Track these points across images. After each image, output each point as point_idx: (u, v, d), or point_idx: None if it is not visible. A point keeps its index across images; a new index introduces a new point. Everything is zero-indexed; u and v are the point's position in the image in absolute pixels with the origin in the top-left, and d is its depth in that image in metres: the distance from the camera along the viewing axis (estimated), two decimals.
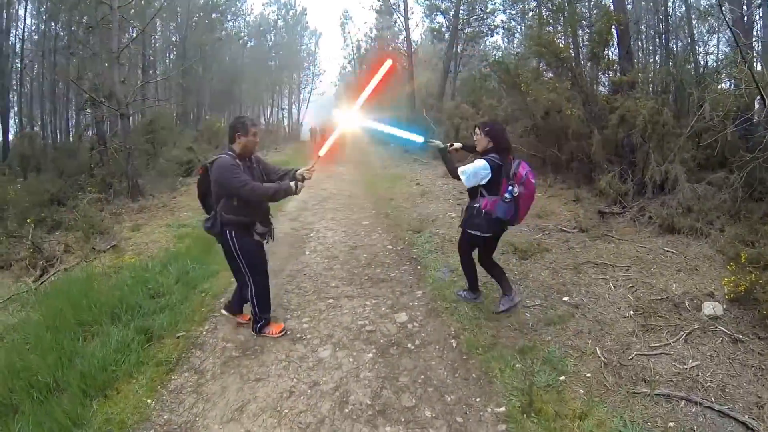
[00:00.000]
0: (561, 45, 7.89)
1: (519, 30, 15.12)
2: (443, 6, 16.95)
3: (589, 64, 8.40)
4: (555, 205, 6.78)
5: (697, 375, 2.82)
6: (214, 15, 22.65)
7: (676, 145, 5.60)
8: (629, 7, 8.73)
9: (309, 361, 3.16)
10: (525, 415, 2.53)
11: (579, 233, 5.47)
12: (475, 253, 3.81)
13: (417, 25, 26.22)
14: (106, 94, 10.25)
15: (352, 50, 30.71)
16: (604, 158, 6.77)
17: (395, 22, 21.61)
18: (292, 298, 4.21)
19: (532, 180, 3.43)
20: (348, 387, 2.86)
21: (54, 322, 3.52)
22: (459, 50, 17.19)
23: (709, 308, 3.46)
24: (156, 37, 18.89)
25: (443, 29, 17.40)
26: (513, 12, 15.07)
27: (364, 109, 3.45)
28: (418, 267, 4.92)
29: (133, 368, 3.05)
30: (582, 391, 2.75)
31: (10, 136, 13.32)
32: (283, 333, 3.50)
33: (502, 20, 15.93)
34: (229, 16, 25.31)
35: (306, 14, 35.37)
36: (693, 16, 8.54)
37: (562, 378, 2.88)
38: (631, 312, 3.61)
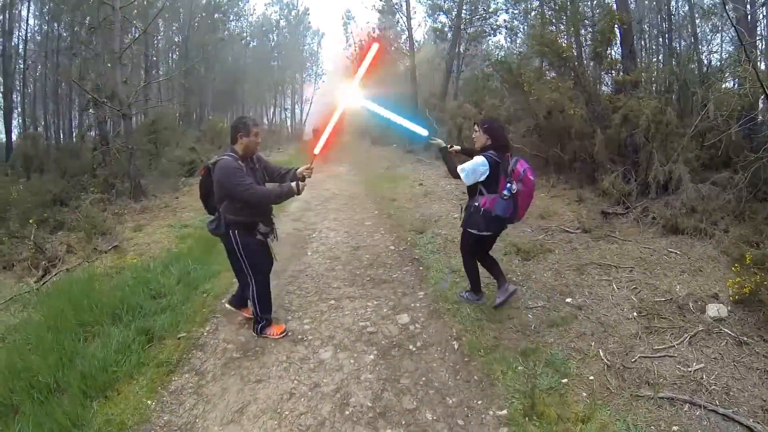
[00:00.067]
0: (564, 44, 7.86)
1: (521, 29, 15.11)
2: (446, 5, 16.93)
3: (591, 63, 8.35)
4: (558, 205, 6.75)
5: (702, 378, 2.79)
6: (216, 15, 22.67)
7: (679, 145, 5.56)
8: (632, 6, 8.71)
9: (310, 363, 3.15)
10: (527, 418, 2.51)
11: (582, 234, 5.44)
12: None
13: (419, 25, 26.16)
14: (108, 95, 10.25)
15: (355, 50, 30.71)
16: (607, 158, 6.73)
17: (398, 21, 21.55)
18: (293, 299, 4.20)
19: (531, 177, 3.45)
20: (349, 389, 2.85)
21: (55, 323, 3.52)
22: (461, 50, 17.16)
23: (714, 310, 3.43)
24: (158, 37, 18.90)
25: (446, 29, 17.37)
26: (515, 11, 15.04)
27: (362, 92, 3.43)
28: (421, 268, 4.90)
29: (134, 369, 3.05)
30: (585, 394, 2.73)
31: (14, 137, 13.36)
32: (284, 334, 3.49)
33: (504, 20, 15.90)
34: (231, 17, 25.31)
35: (308, 14, 35.31)
36: (696, 15, 8.51)
37: (565, 380, 2.85)
38: (635, 314, 3.58)
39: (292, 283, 4.58)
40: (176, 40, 21.32)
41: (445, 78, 17.41)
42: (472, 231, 3.56)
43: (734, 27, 5.10)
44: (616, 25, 7.17)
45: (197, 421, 2.60)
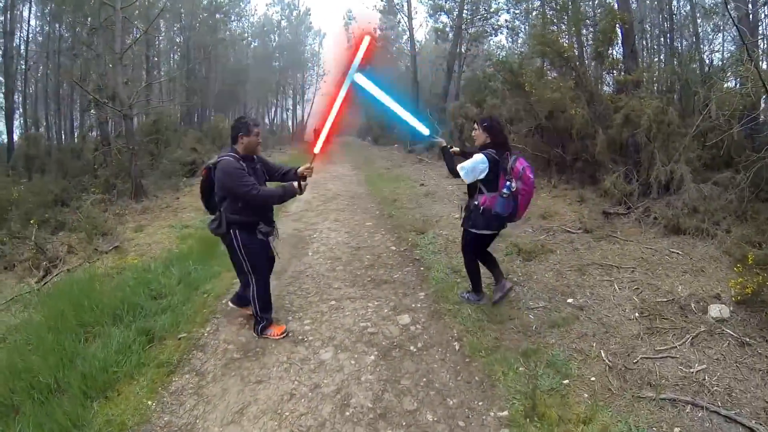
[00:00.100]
0: (565, 44, 7.85)
1: (523, 29, 15.14)
2: (447, 6, 16.95)
3: (593, 63, 8.35)
4: (559, 205, 6.74)
5: (704, 379, 2.77)
6: (217, 16, 22.71)
7: (681, 145, 5.54)
8: (634, 5, 8.69)
9: (310, 364, 3.14)
10: (528, 420, 2.49)
11: (583, 234, 5.42)
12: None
13: (421, 25, 26.33)
14: (109, 95, 10.28)
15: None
16: (609, 158, 6.71)
17: (399, 22, 21.61)
18: (294, 299, 4.20)
19: (530, 175, 3.47)
20: (349, 390, 2.84)
21: (56, 323, 3.52)
22: (463, 50, 17.18)
23: (716, 310, 3.41)
24: (160, 38, 18.93)
25: (447, 29, 17.41)
26: (517, 11, 15.06)
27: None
28: (422, 268, 4.89)
29: (134, 370, 3.04)
30: (586, 395, 2.72)
31: (15, 137, 13.38)
32: (284, 335, 3.48)
33: (506, 20, 15.95)
34: (233, 17, 25.36)
35: (310, 14, 35.41)
36: (698, 15, 8.50)
37: (566, 382, 2.84)
38: (637, 314, 3.56)
39: (292, 283, 4.57)
40: (177, 40, 21.37)
41: (446, 78, 17.42)
42: (473, 230, 3.57)
43: (736, 26, 5.09)
44: (617, 25, 7.16)
45: (197, 421, 2.59)
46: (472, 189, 3.57)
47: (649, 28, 9.97)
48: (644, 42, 9.88)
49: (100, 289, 4.21)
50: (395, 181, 10.97)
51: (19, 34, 13.78)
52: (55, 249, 6.10)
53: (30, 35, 14.35)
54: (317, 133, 3.33)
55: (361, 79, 3.37)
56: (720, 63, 7.40)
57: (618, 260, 4.57)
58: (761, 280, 3.41)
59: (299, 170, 3.33)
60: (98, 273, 4.88)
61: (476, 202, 3.50)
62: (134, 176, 9.30)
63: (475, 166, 3.40)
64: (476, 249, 3.77)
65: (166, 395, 2.83)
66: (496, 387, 2.83)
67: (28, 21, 14.21)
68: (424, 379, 2.94)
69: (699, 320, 3.37)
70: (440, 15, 17.49)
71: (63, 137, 15.28)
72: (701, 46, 8.53)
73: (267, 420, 2.58)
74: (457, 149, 3.91)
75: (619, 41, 7.54)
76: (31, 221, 6.67)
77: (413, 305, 4.01)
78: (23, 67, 14.05)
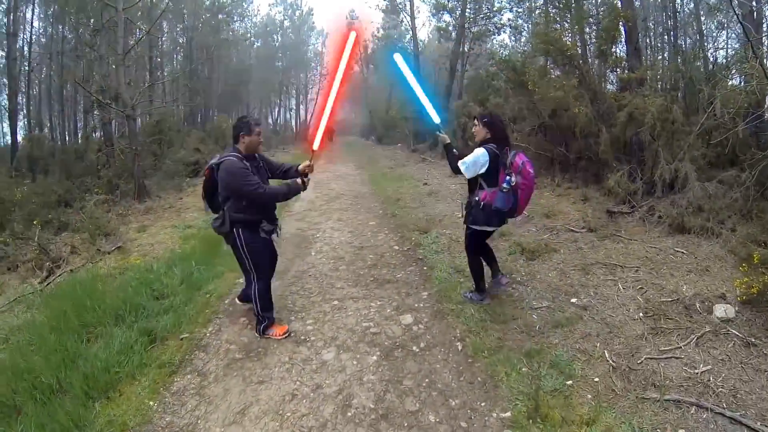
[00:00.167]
0: (568, 42, 7.81)
1: (526, 28, 15.07)
2: (450, 5, 16.91)
3: (596, 61, 8.31)
4: (563, 204, 6.71)
5: (709, 380, 2.74)
6: (220, 16, 22.78)
7: (685, 143, 5.49)
8: (637, 3, 8.62)
9: (312, 364, 3.13)
10: (531, 421, 2.47)
11: (587, 233, 5.39)
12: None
13: (423, 24, 26.25)
14: (113, 96, 10.31)
15: (359, 50, 30.74)
16: (613, 157, 6.66)
17: (402, 21, 21.60)
18: (296, 299, 4.19)
19: (530, 170, 3.50)
20: (351, 390, 2.83)
21: (58, 324, 3.53)
22: (466, 49, 17.12)
23: (721, 310, 3.37)
24: (163, 38, 19.01)
25: (450, 28, 17.36)
26: (520, 10, 15.00)
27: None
28: (425, 268, 4.87)
29: (136, 370, 3.04)
30: (590, 396, 2.69)
31: (19, 138, 13.44)
32: (286, 335, 3.47)
33: (508, 18, 15.88)
34: (235, 17, 25.42)
35: (312, 14, 35.50)
36: (701, 12, 8.43)
37: (570, 382, 2.81)
38: (641, 314, 3.53)
39: (295, 283, 4.57)
40: (180, 41, 21.44)
41: (449, 77, 17.39)
42: (473, 226, 3.60)
43: (740, 23, 5.04)
44: (620, 23, 7.12)
45: (199, 422, 2.59)
46: (473, 185, 3.59)
47: (652, 26, 9.91)
48: (648, 40, 9.82)
49: (102, 289, 4.21)
50: (399, 180, 10.95)
51: (22, 35, 13.89)
52: (58, 249, 6.13)
53: (33, 37, 14.46)
54: (314, 130, 3.37)
55: (398, 58, 3.61)
56: (724, 60, 7.35)
57: (622, 259, 4.54)
58: (767, 279, 3.38)
59: (300, 167, 3.40)
60: (101, 273, 4.89)
61: (476, 198, 3.51)
62: (137, 177, 9.33)
63: (476, 159, 3.42)
64: (477, 246, 3.78)
65: (167, 396, 2.83)
66: (498, 388, 2.81)
67: (32, 22, 14.32)
68: (427, 380, 2.92)
69: (704, 320, 3.34)
70: (443, 14, 17.46)
71: (66, 138, 15.36)
72: (705, 44, 8.46)
73: (268, 420, 2.58)
74: (456, 152, 3.90)
75: (623, 39, 7.50)
76: (35, 222, 6.70)
77: (416, 305, 4.00)
78: (27, 68, 14.14)
